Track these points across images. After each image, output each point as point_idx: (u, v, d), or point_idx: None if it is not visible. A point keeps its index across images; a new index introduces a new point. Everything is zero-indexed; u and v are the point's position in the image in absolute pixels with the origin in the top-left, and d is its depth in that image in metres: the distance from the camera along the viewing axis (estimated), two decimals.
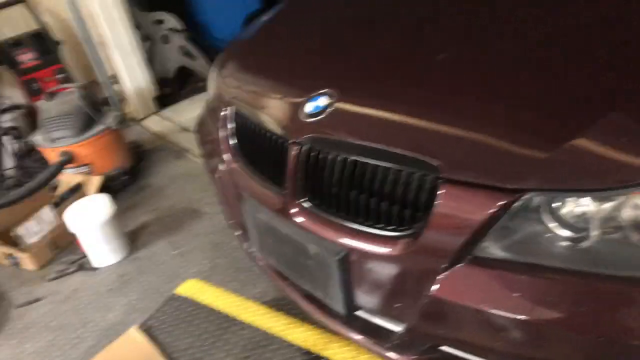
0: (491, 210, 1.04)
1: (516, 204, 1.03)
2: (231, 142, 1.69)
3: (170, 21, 4.56)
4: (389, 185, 1.19)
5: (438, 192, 1.10)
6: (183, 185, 3.12)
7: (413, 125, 1.19)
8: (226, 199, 1.80)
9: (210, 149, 1.88)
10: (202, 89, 4.53)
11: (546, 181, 1.01)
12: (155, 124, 4.09)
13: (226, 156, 1.69)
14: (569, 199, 1.03)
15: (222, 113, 1.72)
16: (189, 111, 4.16)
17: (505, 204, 1.03)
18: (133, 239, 2.73)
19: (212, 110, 1.89)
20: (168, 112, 4.25)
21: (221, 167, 1.77)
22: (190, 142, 3.62)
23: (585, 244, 1.02)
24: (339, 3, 1.92)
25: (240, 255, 2.41)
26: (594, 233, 1.01)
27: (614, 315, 0.99)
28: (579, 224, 1.03)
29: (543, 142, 1.03)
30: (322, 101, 1.36)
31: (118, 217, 2.63)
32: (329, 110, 1.33)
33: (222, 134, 1.71)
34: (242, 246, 1.92)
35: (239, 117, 1.63)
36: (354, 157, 1.24)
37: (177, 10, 4.89)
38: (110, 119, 3.21)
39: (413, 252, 1.16)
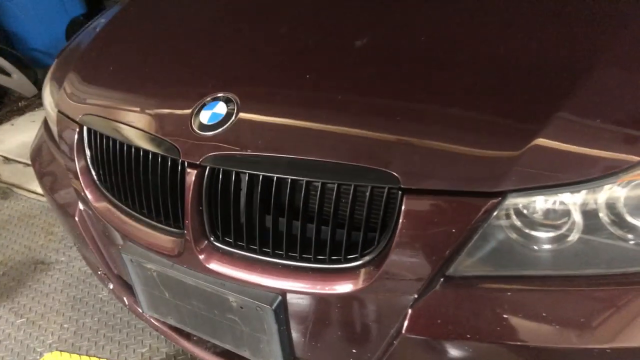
0: (470, 219, 0.85)
1: (497, 208, 0.86)
2: (94, 173, 1.28)
3: None
4: (331, 206, 0.94)
5: (402, 207, 0.88)
6: (17, 231, 2.48)
7: (359, 130, 0.95)
8: (91, 245, 1.37)
9: (55, 181, 1.43)
10: (24, 109, 3.77)
11: (524, 179, 0.85)
12: None
13: (88, 192, 1.27)
14: (547, 196, 0.88)
15: (74, 137, 1.29)
16: (12, 137, 3.40)
17: (485, 209, 0.85)
18: None
19: (55, 134, 1.43)
20: None
21: (81, 206, 1.34)
22: (19, 175, 2.93)
23: (569, 241, 0.89)
24: None
25: (112, 309, 1.94)
26: (576, 230, 0.88)
27: (613, 320, 0.86)
28: (559, 222, 0.89)
29: (514, 137, 0.87)
30: (221, 108, 1.05)
31: None
32: (233, 118, 1.02)
33: (79, 164, 1.28)
34: (122, 301, 1.50)
35: (99, 140, 1.23)
36: (279, 175, 0.96)
37: None
38: None
39: (375, 283, 0.92)
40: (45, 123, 1.62)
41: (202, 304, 1.12)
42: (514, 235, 0.90)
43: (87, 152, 1.27)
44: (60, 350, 1.84)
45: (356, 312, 0.97)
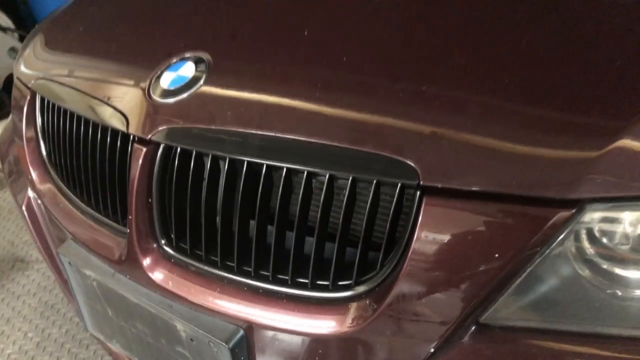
0: (525, 240, 0.56)
1: (567, 227, 0.56)
2: (43, 149, 1.04)
3: None
4: (319, 208, 0.65)
5: (420, 214, 0.59)
6: (4, 224, 2.28)
7: (365, 105, 0.66)
8: (39, 242, 1.13)
9: (13, 165, 1.19)
10: None
11: (609, 187, 0.55)
12: None
13: (33, 170, 1.03)
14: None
15: (24, 107, 1.06)
16: None
17: (549, 226, 0.55)
18: None
19: (16, 110, 1.20)
20: None
21: (30, 192, 1.10)
22: None
23: None
24: None
25: None
26: None
27: None
28: None
29: (591, 135, 0.57)
30: (188, 69, 0.79)
31: None
32: (201, 83, 0.76)
33: (27, 135, 1.05)
34: (78, 314, 1.24)
35: (51, 109, 0.99)
36: (250, 158, 0.68)
37: (5, 4, 3.96)
38: None
39: (370, 326, 0.63)
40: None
41: (147, 329, 0.85)
42: (585, 272, 0.60)
43: (38, 122, 1.03)
44: None
45: None
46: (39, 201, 1.06)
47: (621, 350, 0.58)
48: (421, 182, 0.58)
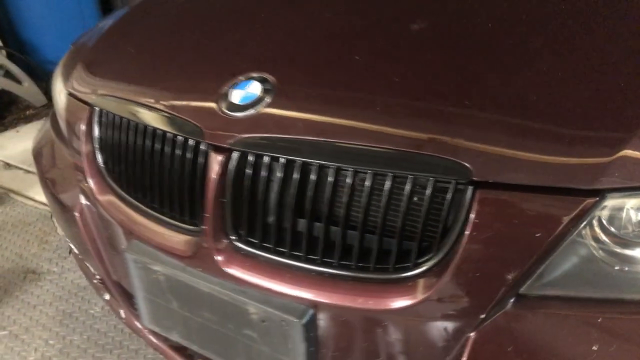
0: (560, 222, 0.70)
1: (592, 211, 0.71)
2: (101, 161, 1.13)
3: None
4: (382, 203, 0.78)
5: (473, 205, 0.73)
6: (10, 237, 2.31)
7: (420, 115, 0.81)
8: (91, 246, 1.21)
9: (57, 177, 1.28)
10: (31, 118, 3.67)
11: (623, 180, 0.70)
12: None
13: (92, 182, 1.12)
14: None
15: (84, 120, 1.15)
16: (16, 144, 3.27)
17: (580, 211, 0.70)
18: None
19: (62, 122, 1.29)
20: None
21: (83, 200, 1.19)
22: (18, 181, 2.79)
23: None
24: None
25: (104, 327, 1.75)
26: None
27: None
28: None
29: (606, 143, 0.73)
30: (255, 87, 0.92)
31: None
32: (269, 99, 0.89)
33: (85, 150, 1.14)
34: (119, 315, 1.33)
35: (111, 123, 1.09)
36: (322, 162, 0.81)
37: None
38: None
39: (432, 299, 0.76)
40: (52, 117, 1.49)
41: (215, 316, 0.95)
42: (600, 253, 0.75)
43: (97, 136, 1.13)
44: None
45: (403, 334, 0.81)
46: (93, 208, 1.15)
47: (630, 312, 0.73)
48: (474, 179, 0.72)
